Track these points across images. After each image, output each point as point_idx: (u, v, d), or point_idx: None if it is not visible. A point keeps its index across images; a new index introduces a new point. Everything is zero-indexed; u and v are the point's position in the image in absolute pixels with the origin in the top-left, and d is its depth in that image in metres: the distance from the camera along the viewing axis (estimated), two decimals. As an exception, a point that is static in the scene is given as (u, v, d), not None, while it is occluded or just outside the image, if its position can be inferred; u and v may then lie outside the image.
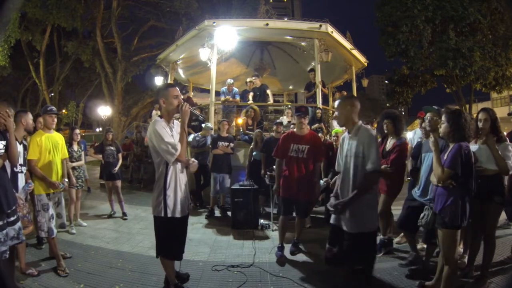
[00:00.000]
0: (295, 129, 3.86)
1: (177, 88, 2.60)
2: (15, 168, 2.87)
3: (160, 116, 2.58)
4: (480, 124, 2.92)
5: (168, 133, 2.48)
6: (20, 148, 2.96)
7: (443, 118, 2.49)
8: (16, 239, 2.49)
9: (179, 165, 2.53)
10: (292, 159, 3.66)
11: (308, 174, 3.63)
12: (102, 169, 5.68)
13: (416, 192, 3.14)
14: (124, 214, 5.47)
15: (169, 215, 2.47)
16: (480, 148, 2.90)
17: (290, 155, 3.66)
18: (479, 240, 3.00)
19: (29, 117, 3.14)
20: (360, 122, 2.56)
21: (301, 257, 3.70)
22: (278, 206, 4.05)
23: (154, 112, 12.22)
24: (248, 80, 8.01)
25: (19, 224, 2.55)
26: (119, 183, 5.58)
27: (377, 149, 2.44)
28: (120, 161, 5.69)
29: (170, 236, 2.56)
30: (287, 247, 3.81)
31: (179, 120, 2.63)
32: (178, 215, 2.51)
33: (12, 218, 2.47)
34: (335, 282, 3.07)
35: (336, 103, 2.65)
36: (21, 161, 2.95)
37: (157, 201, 2.49)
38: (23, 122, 3.06)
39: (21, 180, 3.04)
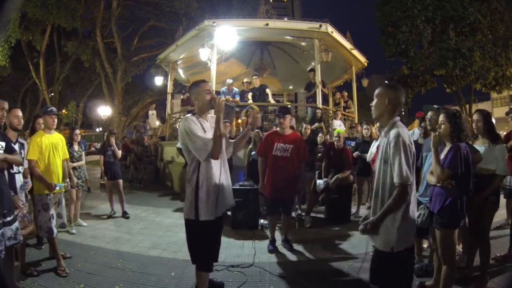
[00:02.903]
0: (277, 129, 3.89)
1: (208, 83, 2.50)
2: (11, 170, 2.85)
3: (193, 113, 2.43)
4: (474, 125, 2.98)
5: (200, 128, 2.31)
6: (15, 147, 2.94)
7: (442, 118, 2.49)
8: (13, 239, 2.48)
9: (213, 163, 2.34)
10: (277, 158, 3.69)
11: (293, 173, 3.70)
12: (104, 169, 5.70)
13: (418, 192, 3.13)
14: (125, 213, 5.50)
15: (202, 218, 2.27)
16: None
17: (275, 154, 3.69)
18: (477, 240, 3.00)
19: (13, 114, 2.97)
20: (397, 118, 2.01)
21: (301, 257, 3.70)
22: (265, 206, 4.15)
23: (150, 112, 12.25)
24: (244, 80, 8.02)
25: (16, 224, 2.54)
26: (121, 182, 5.63)
27: (404, 156, 1.85)
28: (119, 155, 5.73)
29: (201, 241, 2.34)
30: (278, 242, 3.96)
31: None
32: (212, 217, 2.31)
33: (8, 218, 2.45)
34: (335, 282, 3.07)
35: (376, 90, 2.09)
36: None
37: (188, 202, 2.31)
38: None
39: (19, 180, 3.01)
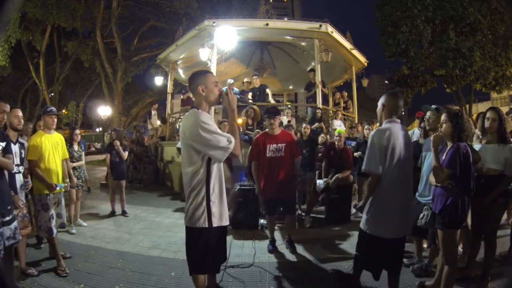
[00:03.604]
0: (267, 130, 3.88)
1: (214, 74, 2.25)
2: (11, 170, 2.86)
3: (196, 108, 2.13)
4: (487, 123, 2.86)
5: (217, 125, 2.09)
6: (16, 147, 2.95)
7: (443, 117, 2.48)
8: (12, 239, 2.48)
9: (222, 164, 2.16)
10: (271, 160, 3.67)
11: (289, 172, 3.71)
12: (110, 168, 5.68)
13: (418, 192, 3.13)
14: (124, 212, 5.53)
15: (215, 224, 2.06)
16: (485, 147, 2.88)
17: (269, 156, 3.68)
18: (480, 240, 2.99)
19: (13, 114, 2.94)
20: (395, 120, 2.39)
21: (301, 257, 3.69)
22: (264, 207, 4.14)
23: (153, 112, 12.26)
24: (245, 80, 8.04)
25: (15, 224, 2.54)
26: (124, 182, 5.66)
27: (370, 149, 2.35)
28: (125, 156, 5.73)
29: (212, 250, 2.12)
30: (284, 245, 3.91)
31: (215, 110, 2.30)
32: (225, 222, 2.15)
33: (7, 218, 2.45)
34: (335, 282, 3.07)
35: (382, 98, 2.51)
36: (17, 161, 2.93)
37: (198, 211, 2.03)
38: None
39: (19, 180, 3.01)
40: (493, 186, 2.75)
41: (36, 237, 3.87)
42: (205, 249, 2.09)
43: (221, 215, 2.10)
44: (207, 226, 2.04)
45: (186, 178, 2.11)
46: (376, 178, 2.31)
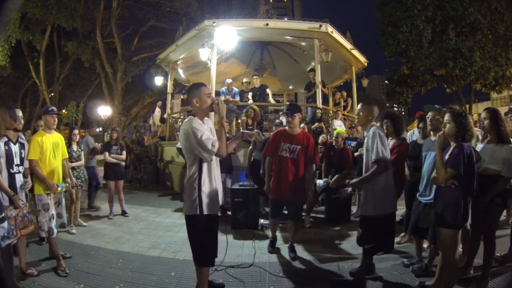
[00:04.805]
0: (286, 128, 3.73)
1: (208, 87, 2.62)
2: (11, 170, 2.85)
3: (193, 115, 2.52)
4: (481, 124, 2.92)
5: (207, 129, 2.45)
6: (16, 147, 2.94)
7: (447, 117, 2.47)
8: (7, 239, 2.47)
9: (213, 161, 2.50)
10: (282, 159, 3.54)
11: (299, 175, 3.53)
12: (106, 169, 5.66)
13: (418, 192, 3.13)
14: (124, 212, 5.53)
15: (205, 212, 2.38)
16: (484, 148, 2.88)
17: (281, 155, 3.55)
18: (479, 240, 2.99)
19: (9, 114, 2.91)
20: (372, 124, 2.92)
21: (301, 257, 3.69)
22: (270, 208, 3.97)
23: (157, 109, 12.26)
24: (244, 80, 8.04)
25: (7, 222, 2.52)
26: (122, 182, 5.66)
27: (379, 142, 2.73)
28: (124, 158, 5.73)
29: (206, 237, 2.46)
30: (284, 246, 3.88)
31: (215, 116, 2.64)
32: (215, 212, 2.47)
33: None
34: (335, 282, 3.07)
35: (359, 105, 3.02)
36: (17, 161, 2.93)
37: (192, 199, 2.40)
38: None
39: (19, 180, 2.98)
40: (490, 186, 2.73)
41: (39, 236, 3.87)
42: (200, 234, 2.43)
43: (211, 205, 2.43)
44: (198, 213, 2.39)
45: (187, 172, 2.50)
46: (387, 163, 2.75)
